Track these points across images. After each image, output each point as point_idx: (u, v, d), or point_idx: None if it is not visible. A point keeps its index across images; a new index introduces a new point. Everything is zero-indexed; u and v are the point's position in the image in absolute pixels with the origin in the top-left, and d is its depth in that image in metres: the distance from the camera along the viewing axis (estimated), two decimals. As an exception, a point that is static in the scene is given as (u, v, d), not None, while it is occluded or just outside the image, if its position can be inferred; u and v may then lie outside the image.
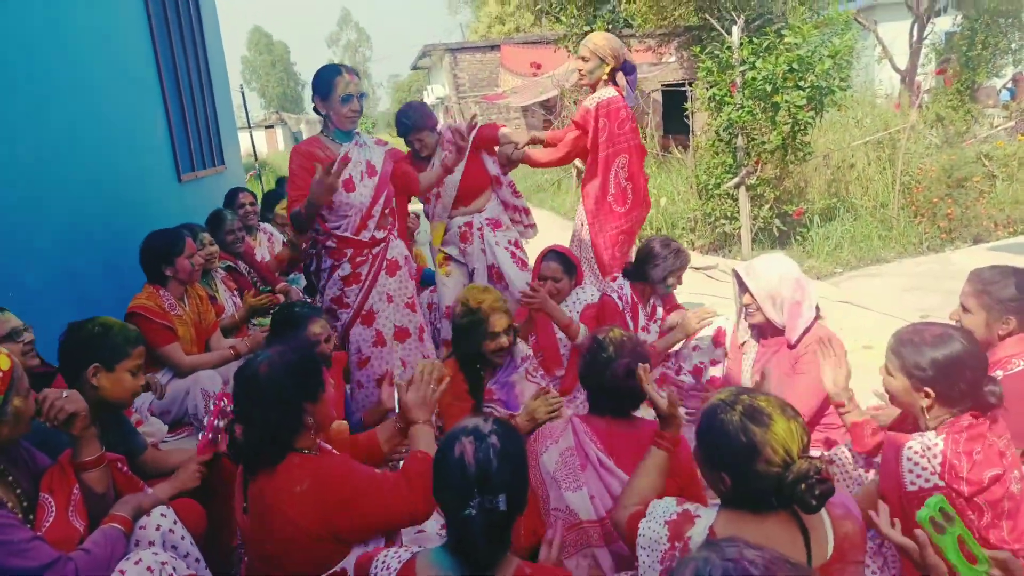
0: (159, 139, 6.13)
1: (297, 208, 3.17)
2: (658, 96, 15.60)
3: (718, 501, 1.75)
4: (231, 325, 3.94)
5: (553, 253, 3.57)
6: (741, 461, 1.56)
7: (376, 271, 3.40)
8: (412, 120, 3.91)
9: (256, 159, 13.47)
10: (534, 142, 4.13)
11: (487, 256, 4.03)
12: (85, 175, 4.37)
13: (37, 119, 3.88)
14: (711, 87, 7.32)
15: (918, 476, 1.90)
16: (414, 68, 30.84)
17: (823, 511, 1.61)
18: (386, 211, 3.43)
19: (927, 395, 1.98)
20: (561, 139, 4.03)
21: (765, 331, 2.88)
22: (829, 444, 2.72)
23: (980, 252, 6.73)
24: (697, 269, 6.99)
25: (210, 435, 2.44)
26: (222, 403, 2.49)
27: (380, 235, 3.41)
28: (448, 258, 4.13)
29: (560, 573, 1.69)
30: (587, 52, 3.81)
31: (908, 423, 2.18)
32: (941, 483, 1.87)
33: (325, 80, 3.28)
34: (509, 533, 1.56)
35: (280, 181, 7.16)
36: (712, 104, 7.38)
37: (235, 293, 4.23)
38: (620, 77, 3.87)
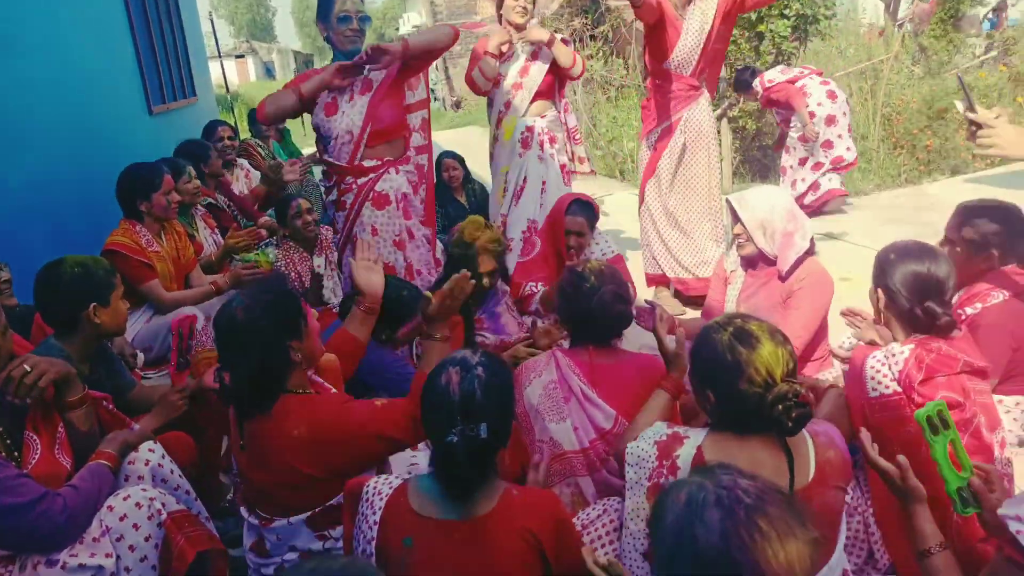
0: (127, 70, 5.95)
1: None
2: (640, 26, 15.27)
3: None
4: (208, 264, 3.87)
5: (578, 204, 3.35)
6: (725, 379, 1.60)
7: (360, 202, 3.33)
8: None
9: (228, 90, 13.06)
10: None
11: (543, 166, 4.11)
12: (53, 110, 4.26)
13: (2, 56, 3.74)
14: (694, 15, 7.17)
15: (879, 383, 1.98)
16: (389, -5, 29.88)
17: (807, 438, 1.66)
18: (386, 141, 3.33)
19: (879, 297, 2.12)
20: None
21: (755, 262, 2.89)
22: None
23: (957, 184, 6.77)
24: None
25: (177, 361, 2.46)
26: (180, 328, 2.49)
27: (369, 164, 3.32)
28: (506, 190, 4.14)
29: (547, 494, 1.73)
30: None
31: None
32: (899, 389, 1.95)
33: (323, 1, 3.23)
34: (493, 461, 1.60)
35: (252, 113, 6.97)
36: (695, 33, 7.24)
37: (215, 231, 4.16)
38: None
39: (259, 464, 1.95)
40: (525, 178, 4.14)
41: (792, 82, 5.83)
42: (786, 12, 6.48)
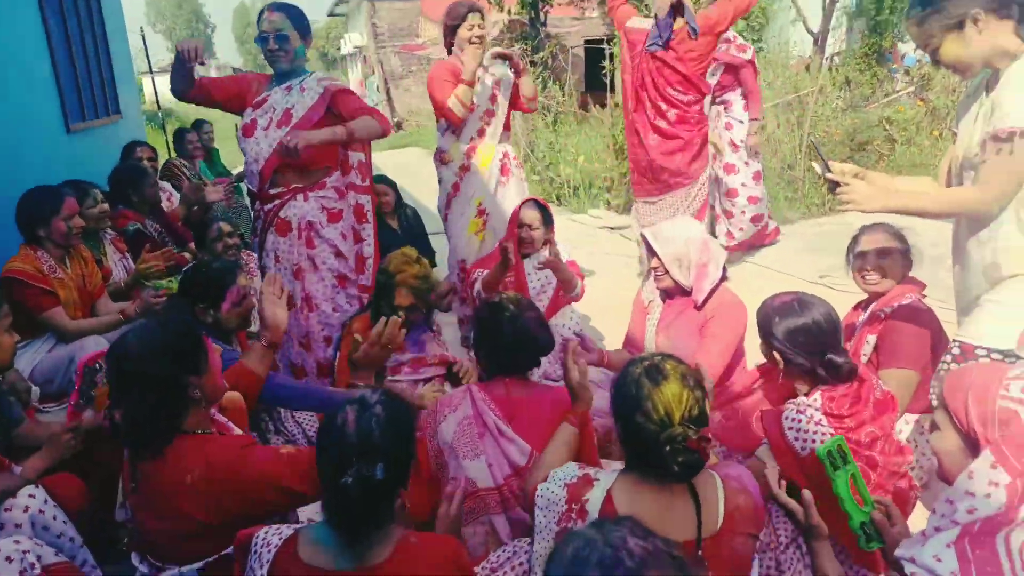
0: (43, 85, 5.69)
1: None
2: (580, 52, 15.49)
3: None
4: (117, 291, 3.69)
5: (533, 202, 3.52)
6: (627, 411, 1.59)
7: (265, 228, 3.25)
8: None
9: (159, 107, 12.67)
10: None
11: (522, 189, 4.05)
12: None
13: None
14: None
15: (805, 440, 1.96)
16: (330, 15, 29.69)
17: (718, 482, 1.64)
18: (297, 171, 3.19)
19: (777, 359, 2.15)
20: None
21: (672, 292, 2.93)
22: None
23: (878, 214, 6.99)
24: (612, 229, 7.07)
25: (78, 400, 2.33)
26: (88, 365, 2.37)
27: (275, 191, 3.20)
28: (486, 222, 3.95)
29: (447, 540, 1.66)
30: None
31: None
32: (831, 431, 1.94)
33: (256, 23, 3.21)
34: (390, 505, 1.52)
35: (178, 132, 6.71)
36: (630, 63, 7.36)
37: (125, 256, 3.98)
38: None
39: (151, 509, 1.83)
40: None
41: (755, 70, 5.35)
42: (716, 44, 6.65)
